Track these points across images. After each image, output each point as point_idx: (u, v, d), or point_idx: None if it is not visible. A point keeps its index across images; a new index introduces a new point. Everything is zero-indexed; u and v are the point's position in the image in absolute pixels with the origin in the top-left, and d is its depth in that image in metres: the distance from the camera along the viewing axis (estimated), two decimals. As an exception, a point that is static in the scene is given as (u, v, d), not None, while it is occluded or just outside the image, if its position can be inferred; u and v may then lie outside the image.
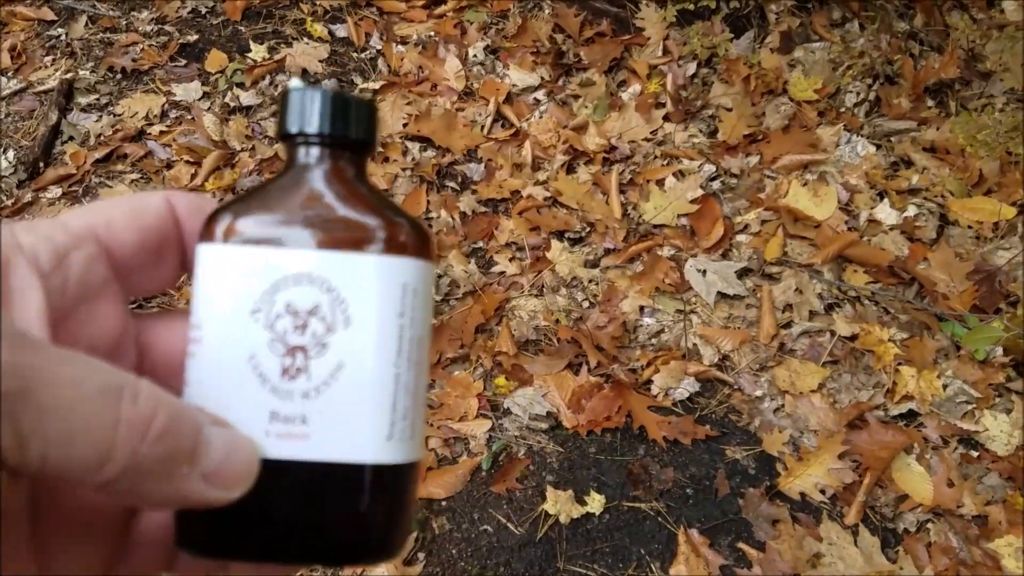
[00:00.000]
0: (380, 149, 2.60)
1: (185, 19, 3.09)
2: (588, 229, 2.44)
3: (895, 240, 2.27)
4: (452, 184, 2.57)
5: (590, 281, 2.32)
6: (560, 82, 2.84)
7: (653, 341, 2.20)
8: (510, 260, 2.38)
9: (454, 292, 2.31)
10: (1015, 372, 2.02)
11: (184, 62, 2.95)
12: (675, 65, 2.76)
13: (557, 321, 2.22)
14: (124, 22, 3.08)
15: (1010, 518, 1.81)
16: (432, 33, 3.01)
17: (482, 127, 2.70)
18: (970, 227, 2.29)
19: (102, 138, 2.70)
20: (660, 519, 1.87)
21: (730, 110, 2.63)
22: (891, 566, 1.73)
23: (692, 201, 2.43)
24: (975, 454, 1.92)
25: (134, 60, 2.94)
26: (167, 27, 3.07)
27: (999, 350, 2.02)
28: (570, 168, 2.61)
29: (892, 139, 2.52)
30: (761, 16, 2.76)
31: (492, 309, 2.24)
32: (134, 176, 2.60)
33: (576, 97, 2.77)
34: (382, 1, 3.14)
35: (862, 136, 2.52)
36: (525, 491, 1.93)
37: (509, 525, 1.87)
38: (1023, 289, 2.10)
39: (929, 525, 1.83)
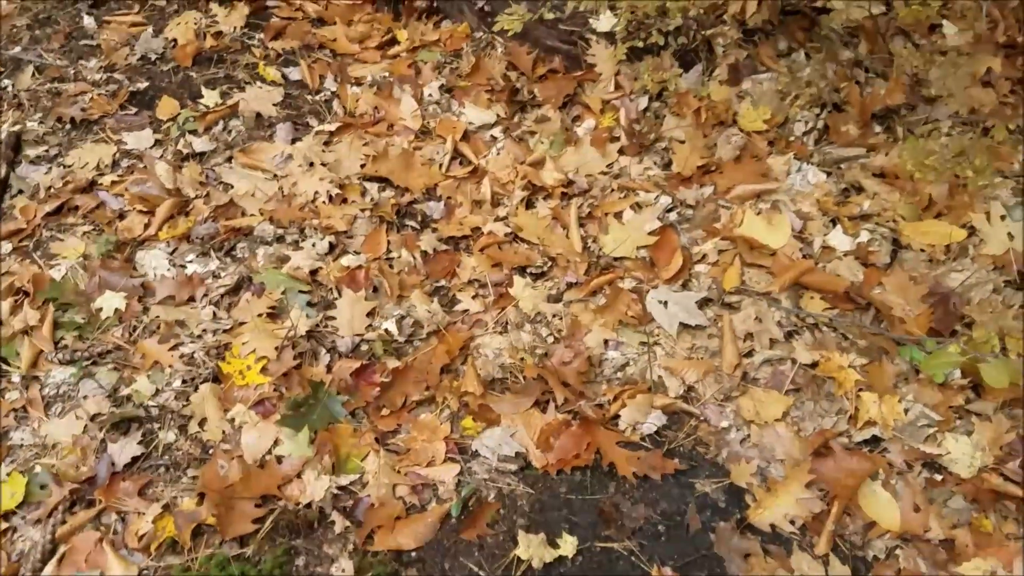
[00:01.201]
0: (338, 191, 2.59)
1: (134, 66, 3.06)
2: (550, 264, 2.45)
3: (849, 266, 2.31)
4: (412, 223, 2.57)
5: (554, 316, 2.32)
6: (516, 119, 2.86)
7: (619, 375, 2.20)
8: (473, 298, 2.38)
9: (418, 333, 2.29)
10: (974, 394, 2.05)
11: (135, 110, 2.92)
12: (627, 99, 2.80)
13: (523, 359, 2.21)
14: (72, 71, 3.04)
15: (976, 541, 1.83)
16: (386, 73, 3.01)
17: (440, 165, 2.71)
18: (923, 250, 2.34)
19: (52, 190, 2.64)
20: (633, 558, 1.85)
21: (683, 142, 2.67)
22: (863, 594, 1.74)
23: (650, 233, 2.46)
24: (939, 477, 1.94)
25: (83, 110, 2.90)
26: (116, 75, 3.04)
27: (957, 372, 2.05)
28: (529, 203, 2.62)
29: (842, 166, 2.57)
30: (709, 50, 2.81)
31: (457, 348, 2.23)
32: (86, 228, 2.54)
33: (532, 133, 2.79)
34: (335, 43, 3.14)
35: (812, 164, 2.57)
36: (496, 536, 1.91)
37: (481, 573, 1.85)
38: (978, 311, 2.15)
39: (898, 551, 1.84)
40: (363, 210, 2.56)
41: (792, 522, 1.87)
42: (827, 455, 1.95)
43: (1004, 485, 1.88)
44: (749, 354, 2.19)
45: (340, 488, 1.97)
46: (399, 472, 2.00)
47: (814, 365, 2.13)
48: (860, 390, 2.06)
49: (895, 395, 2.04)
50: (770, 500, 1.90)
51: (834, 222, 2.43)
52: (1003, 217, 2.32)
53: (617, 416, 2.08)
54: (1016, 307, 2.14)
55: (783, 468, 1.97)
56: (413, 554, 1.88)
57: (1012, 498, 1.87)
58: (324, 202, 2.57)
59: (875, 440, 2.00)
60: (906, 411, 2.02)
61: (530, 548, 1.85)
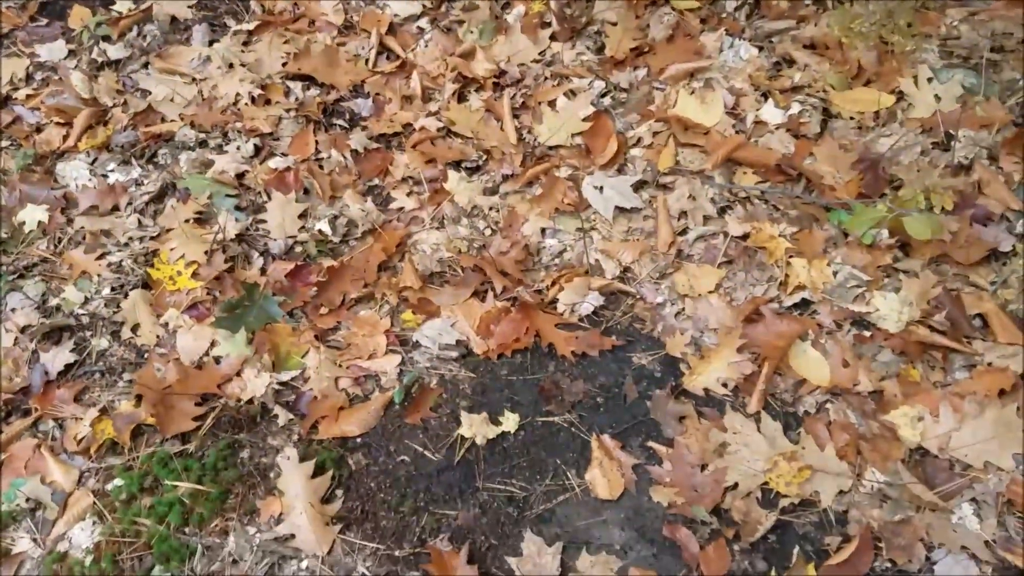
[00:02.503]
0: (260, 91, 2.52)
1: (42, -25, 2.91)
2: (484, 157, 2.42)
3: (781, 138, 2.31)
4: (340, 122, 2.51)
5: (490, 208, 2.30)
6: (443, 8, 2.77)
7: (556, 261, 2.20)
8: (408, 195, 2.35)
9: (352, 232, 2.27)
10: (901, 252, 2.09)
11: (46, 21, 2.79)
12: (557, -17, 2.72)
13: (460, 251, 2.20)
14: (-26, -17, 2.88)
15: (904, 390, 1.88)
16: (305, -33, 2.89)
17: (366, 61, 2.63)
18: (852, 118, 2.34)
19: (-37, 107, 2.54)
20: (573, 429, 1.89)
21: (615, 24, 2.61)
22: (794, 447, 1.80)
23: (584, 119, 2.42)
24: (868, 334, 1.98)
25: (-9, 23, 2.76)
26: (24, -15, 2.89)
27: (884, 233, 2.08)
28: (461, 96, 2.57)
29: (773, 39, 2.54)
30: (637, -75, 2.74)
31: (394, 246, 2.21)
32: (3, 143, 2.45)
33: (461, 22, 2.71)
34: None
35: (744, 39, 2.54)
36: (440, 419, 1.93)
37: (426, 453, 1.87)
38: (905, 172, 2.16)
39: (828, 405, 1.89)
40: (288, 110, 2.49)
41: (725, 385, 1.91)
42: (758, 320, 1.99)
43: (931, 336, 1.93)
44: (683, 232, 2.20)
45: (281, 384, 1.98)
46: (340, 366, 2.01)
47: (746, 237, 2.15)
48: (790, 257, 2.08)
49: (824, 259, 2.07)
50: (703, 366, 1.94)
51: (766, 96, 2.42)
52: (930, 80, 2.32)
53: (555, 300, 2.10)
54: (942, 166, 2.16)
55: (716, 336, 2.00)
56: (358, 440, 1.90)
57: (939, 348, 1.92)
58: (246, 104, 2.50)
59: (805, 303, 2.04)
60: (835, 273, 2.05)
61: (472, 427, 1.88)
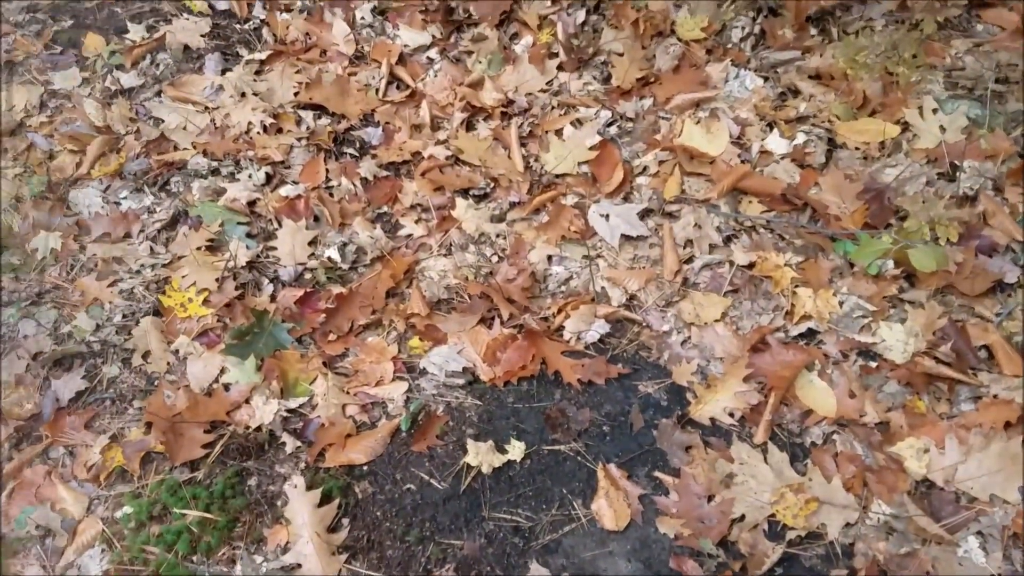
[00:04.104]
0: (272, 120, 2.55)
1: (58, 5, 2.96)
2: (492, 184, 2.44)
3: (786, 168, 2.33)
4: (350, 150, 2.54)
5: (497, 236, 2.32)
6: (452, 39, 2.81)
7: (562, 288, 2.22)
8: (416, 222, 2.37)
9: (361, 259, 2.29)
10: (907, 283, 2.10)
11: (60, 49, 2.84)
12: (564, 14, 2.76)
13: (467, 278, 2.22)
14: (-9, 12, 2.94)
15: (910, 421, 1.89)
16: (316, -3, 2.94)
17: (377, 90, 2.67)
18: (857, 148, 2.36)
19: (-22, 134, 2.57)
20: (579, 458, 1.90)
21: (621, 55, 2.64)
22: (801, 479, 1.80)
23: (591, 148, 2.45)
24: (874, 364, 1.99)
25: (7, 51, 2.81)
26: (39, 15, 2.94)
27: (890, 263, 2.09)
28: (469, 125, 2.60)
29: (778, 70, 2.56)
30: (644, -42, 2.77)
31: (402, 272, 2.23)
32: (17, 170, 2.49)
33: (469, 53, 2.75)
34: (263, -30, 3.05)
35: (749, 70, 2.56)
36: (446, 447, 1.94)
37: (432, 481, 1.88)
38: (910, 202, 2.18)
39: (835, 436, 1.89)
40: (299, 139, 2.52)
41: (731, 414, 1.92)
42: (764, 350, 2.00)
43: (937, 367, 1.93)
44: (689, 260, 2.22)
45: (289, 411, 1.99)
46: (348, 393, 2.02)
47: (751, 266, 2.16)
48: (796, 287, 2.09)
49: (830, 289, 2.08)
50: (710, 396, 1.95)
51: (771, 126, 2.44)
52: (935, 111, 2.34)
53: (561, 327, 2.11)
54: (947, 197, 2.17)
55: (722, 365, 2.01)
56: (365, 468, 1.91)
57: (944, 379, 1.92)
58: (258, 132, 2.53)
59: (811, 333, 2.04)
60: (841, 304, 2.06)
61: (479, 455, 1.89)
